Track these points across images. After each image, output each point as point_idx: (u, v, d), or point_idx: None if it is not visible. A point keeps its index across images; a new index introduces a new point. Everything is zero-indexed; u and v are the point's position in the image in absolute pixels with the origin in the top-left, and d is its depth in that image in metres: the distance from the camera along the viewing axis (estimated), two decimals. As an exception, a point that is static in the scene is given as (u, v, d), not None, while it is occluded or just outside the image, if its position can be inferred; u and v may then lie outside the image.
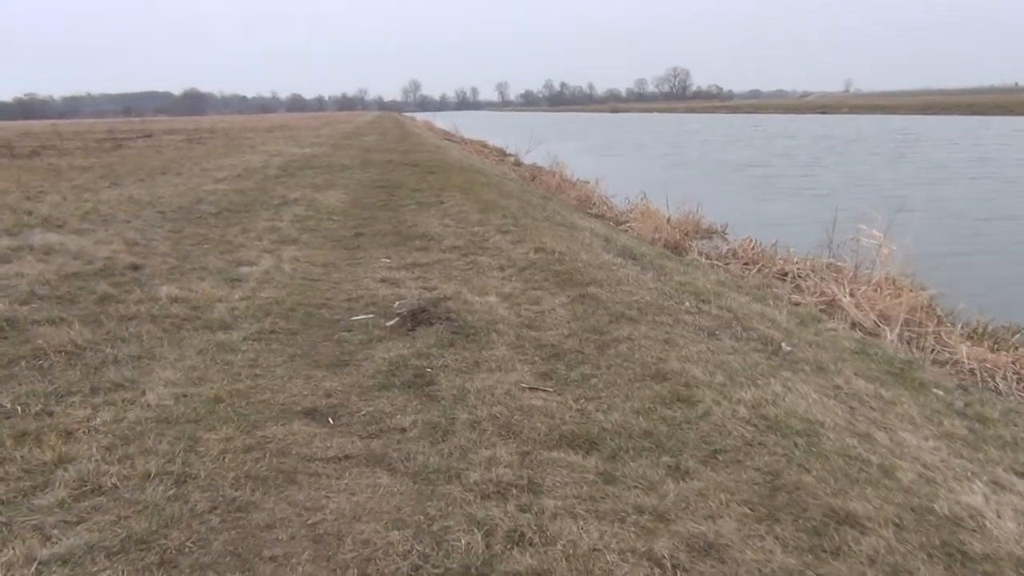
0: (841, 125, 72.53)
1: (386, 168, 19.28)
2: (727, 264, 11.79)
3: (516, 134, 55.11)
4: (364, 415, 4.03)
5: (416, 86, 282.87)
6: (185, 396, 4.17)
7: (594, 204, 18.38)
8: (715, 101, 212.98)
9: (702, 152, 42.41)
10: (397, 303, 6.29)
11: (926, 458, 3.78)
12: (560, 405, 4.09)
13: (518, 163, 31.42)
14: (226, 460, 3.43)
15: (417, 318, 5.78)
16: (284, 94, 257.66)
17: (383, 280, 7.20)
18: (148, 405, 4.03)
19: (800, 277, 10.33)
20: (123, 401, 4.08)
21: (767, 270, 11.06)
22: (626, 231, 14.30)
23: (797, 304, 8.76)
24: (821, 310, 8.62)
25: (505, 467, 3.39)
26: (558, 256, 7.94)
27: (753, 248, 12.49)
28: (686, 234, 13.99)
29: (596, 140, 53.37)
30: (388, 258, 8.25)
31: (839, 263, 9.99)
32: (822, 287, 9.40)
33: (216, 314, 5.79)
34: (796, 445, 3.62)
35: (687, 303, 6.61)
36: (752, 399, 4.17)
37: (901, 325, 7.89)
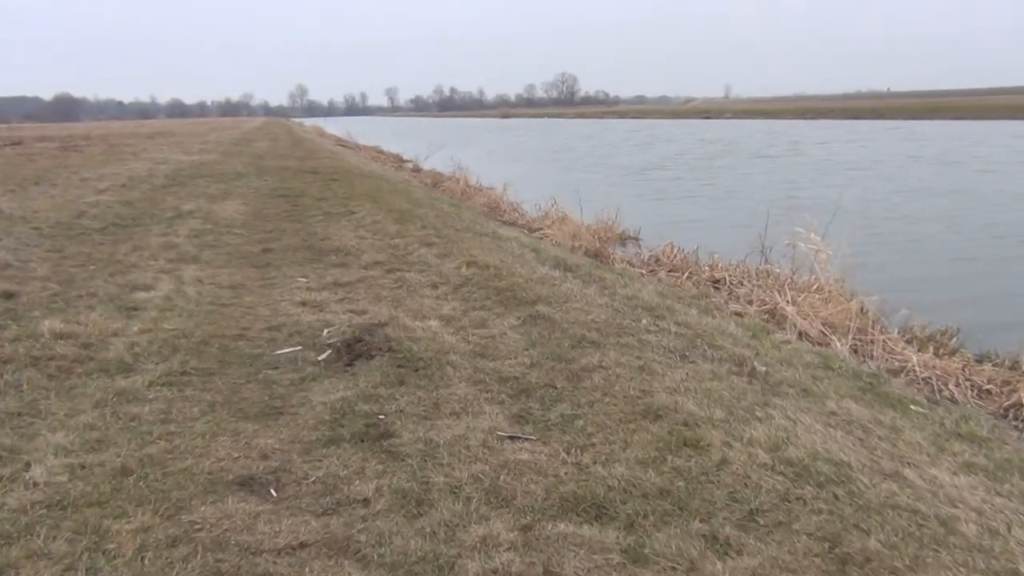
0: (726, 129, 74.59)
1: (283, 175, 18.21)
2: (653, 272, 11.42)
3: (410, 140, 54.30)
4: (314, 482, 3.28)
5: (303, 91, 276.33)
6: (83, 468, 3.32)
7: (504, 211, 17.78)
8: (603, 106, 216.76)
9: (597, 156, 42.59)
10: (326, 331, 5.52)
11: (970, 500, 3.32)
12: (550, 458, 3.45)
13: (417, 169, 30.61)
14: (146, 562, 2.64)
15: (353, 350, 5.04)
16: (164, 99, 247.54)
17: (304, 304, 6.40)
18: (35, 483, 3.17)
19: (733, 284, 10.02)
20: (1, 479, 3.21)
21: (696, 277, 10.70)
22: (542, 239, 13.78)
23: (739, 314, 8.39)
24: (763, 319, 8.28)
25: (508, 550, 2.73)
26: (494, 271, 7.30)
27: (676, 254, 12.14)
28: (605, 241, 13.57)
29: (491, 145, 52.96)
30: (305, 277, 7.42)
31: (775, 269, 9.69)
32: (760, 295, 9.08)
33: (113, 353, 4.89)
34: (837, 497, 3.10)
35: (644, 320, 6.08)
36: (764, 439, 3.63)
37: (852, 334, 7.61)
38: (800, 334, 7.88)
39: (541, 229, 15.37)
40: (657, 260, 12.27)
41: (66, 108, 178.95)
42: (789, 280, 9.17)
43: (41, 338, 5.12)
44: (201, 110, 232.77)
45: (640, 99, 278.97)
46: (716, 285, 10.23)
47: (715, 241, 13.57)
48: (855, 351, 7.63)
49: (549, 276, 7.45)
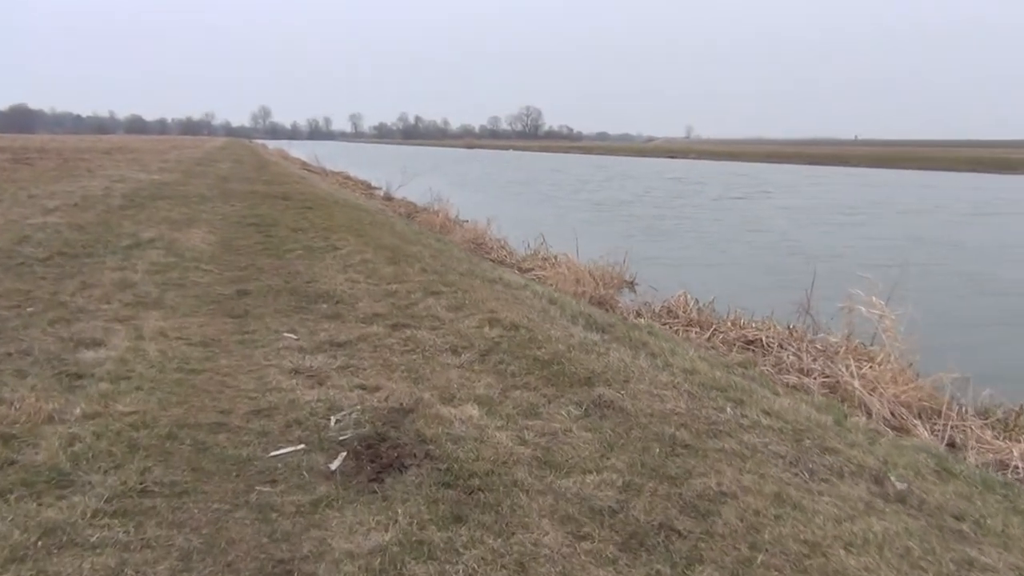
0: (692, 169, 74.67)
1: (252, 201, 16.77)
2: (668, 326, 10.22)
3: (376, 166, 53.09)
4: None
5: (266, 112, 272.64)
6: None
7: (491, 248, 16.52)
8: (566, 141, 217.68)
9: (569, 191, 41.88)
10: (334, 420, 4.20)
11: None
12: None
13: (389, 198, 29.29)
14: None
15: (377, 454, 3.73)
16: (123, 114, 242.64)
17: (296, 372, 5.06)
18: None
19: (771, 347, 8.85)
20: None
21: (723, 336, 9.52)
22: (541, 282, 12.55)
23: (795, 387, 7.23)
24: (822, 395, 7.13)
25: None
26: (526, 334, 6.03)
27: (691, 307, 10.92)
28: (610, 287, 12.41)
29: (459, 176, 51.73)
30: (293, 332, 6.08)
31: (829, 337, 8.48)
32: (810, 363, 7.93)
33: (44, 454, 3.51)
34: None
35: (728, 409, 4.84)
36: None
37: (941, 417, 6.48)
38: (871, 416, 6.74)
39: (532, 269, 14.19)
40: (670, 311, 11.06)
41: (21, 119, 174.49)
42: (845, 348, 8.01)
43: (-55, 426, 3.72)
44: (161, 127, 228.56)
45: (602, 135, 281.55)
46: (750, 347, 9.06)
47: (709, 286, 12.57)
48: (940, 438, 6.51)
49: (588, 341, 6.18)
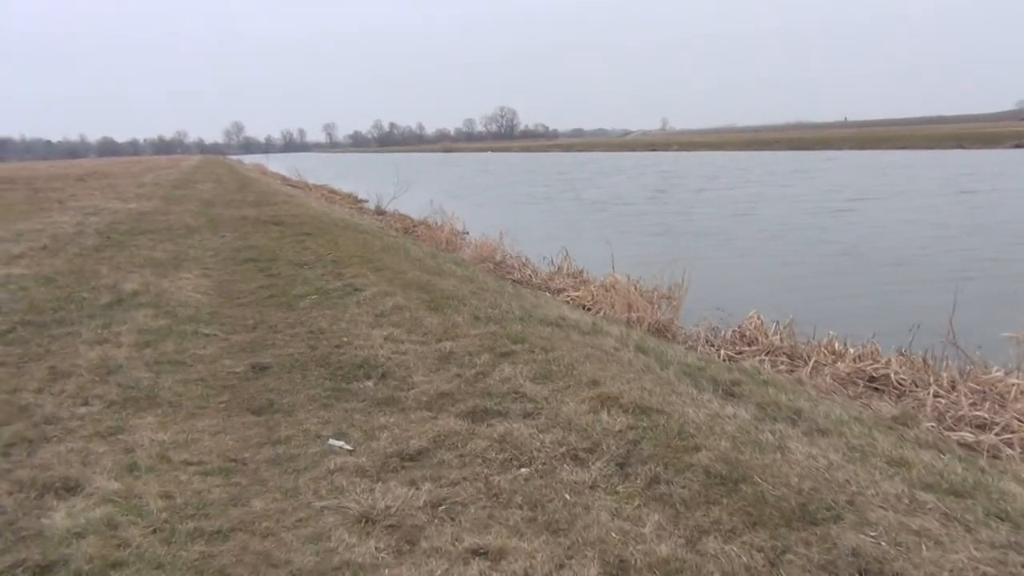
0: (676, 161, 73.52)
1: (243, 228, 15.03)
2: (740, 354, 8.63)
3: (358, 178, 51.34)
4: None
5: (239, 128, 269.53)
6: None
7: (512, 267, 14.80)
8: (543, 140, 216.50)
9: (561, 190, 40.59)
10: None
11: None
12: None
13: (380, 212, 27.57)
14: None
15: None
16: (94, 137, 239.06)
17: (367, 520, 3.40)
18: None
19: (901, 387, 7.27)
20: None
21: (828, 369, 7.91)
22: (571, 305, 10.97)
23: (971, 448, 5.64)
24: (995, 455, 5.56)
25: None
26: (666, 421, 4.36)
27: (774, 332, 9.27)
28: (668, 311, 10.81)
29: (443, 183, 49.82)
30: (340, 438, 4.41)
31: (990, 371, 6.82)
32: (972, 412, 6.32)
33: None
34: None
35: (1027, 549, 3.22)
36: None
37: None
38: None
39: (564, 290, 12.56)
40: (743, 337, 9.45)
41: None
42: (1016, 388, 6.39)
43: None
44: (133, 148, 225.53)
45: (578, 132, 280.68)
46: (875, 386, 7.47)
47: (756, 295, 11.25)
48: None
49: (744, 423, 4.53)
